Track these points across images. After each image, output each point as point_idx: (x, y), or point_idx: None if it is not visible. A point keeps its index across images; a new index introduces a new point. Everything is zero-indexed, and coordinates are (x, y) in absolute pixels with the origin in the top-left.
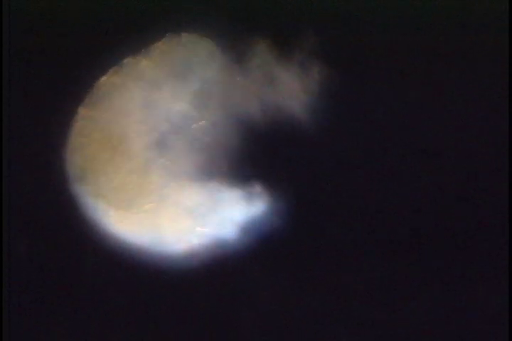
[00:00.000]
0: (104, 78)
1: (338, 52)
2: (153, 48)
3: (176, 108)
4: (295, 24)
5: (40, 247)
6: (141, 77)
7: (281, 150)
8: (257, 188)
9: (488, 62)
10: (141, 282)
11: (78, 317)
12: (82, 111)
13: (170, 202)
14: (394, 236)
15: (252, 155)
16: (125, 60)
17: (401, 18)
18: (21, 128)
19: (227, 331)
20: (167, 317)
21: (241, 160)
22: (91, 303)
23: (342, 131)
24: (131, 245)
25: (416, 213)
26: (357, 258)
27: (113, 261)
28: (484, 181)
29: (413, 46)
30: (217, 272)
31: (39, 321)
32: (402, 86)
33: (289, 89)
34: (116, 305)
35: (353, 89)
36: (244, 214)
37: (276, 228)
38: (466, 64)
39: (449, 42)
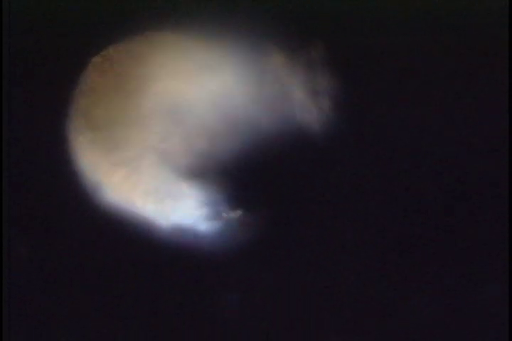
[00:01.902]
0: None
1: (348, 63)
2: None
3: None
4: (303, 35)
5: (41, 243)
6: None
7: (284, 165)
8: (236, 203)
9: (488, 62)
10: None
11: (76, 319)
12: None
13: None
14: (394, 236)
15: (248, 167)
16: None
17: (414, 27)
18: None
19: None
20: None
21: (234, 173)
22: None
23: (352, 142)
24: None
25: (416, 213)
26: (355, 259)
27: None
28: (484, 181)
29: (424, 53)
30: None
31: (38, 321)
32: (412, 95)
33: (299, 99)
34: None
35: (364, 100)
36: (203, 224)
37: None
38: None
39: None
